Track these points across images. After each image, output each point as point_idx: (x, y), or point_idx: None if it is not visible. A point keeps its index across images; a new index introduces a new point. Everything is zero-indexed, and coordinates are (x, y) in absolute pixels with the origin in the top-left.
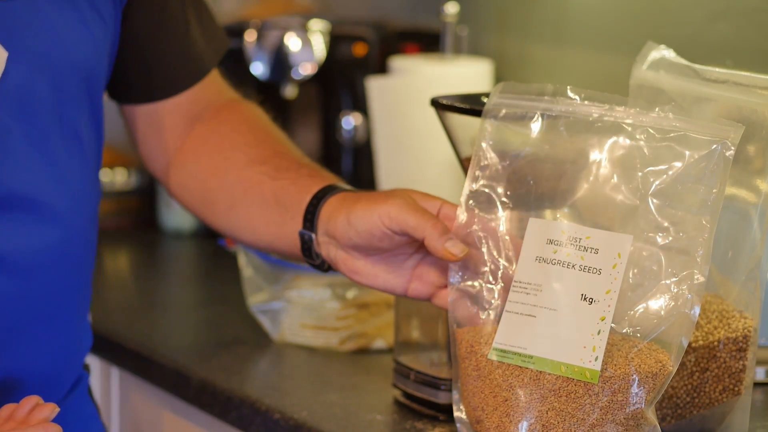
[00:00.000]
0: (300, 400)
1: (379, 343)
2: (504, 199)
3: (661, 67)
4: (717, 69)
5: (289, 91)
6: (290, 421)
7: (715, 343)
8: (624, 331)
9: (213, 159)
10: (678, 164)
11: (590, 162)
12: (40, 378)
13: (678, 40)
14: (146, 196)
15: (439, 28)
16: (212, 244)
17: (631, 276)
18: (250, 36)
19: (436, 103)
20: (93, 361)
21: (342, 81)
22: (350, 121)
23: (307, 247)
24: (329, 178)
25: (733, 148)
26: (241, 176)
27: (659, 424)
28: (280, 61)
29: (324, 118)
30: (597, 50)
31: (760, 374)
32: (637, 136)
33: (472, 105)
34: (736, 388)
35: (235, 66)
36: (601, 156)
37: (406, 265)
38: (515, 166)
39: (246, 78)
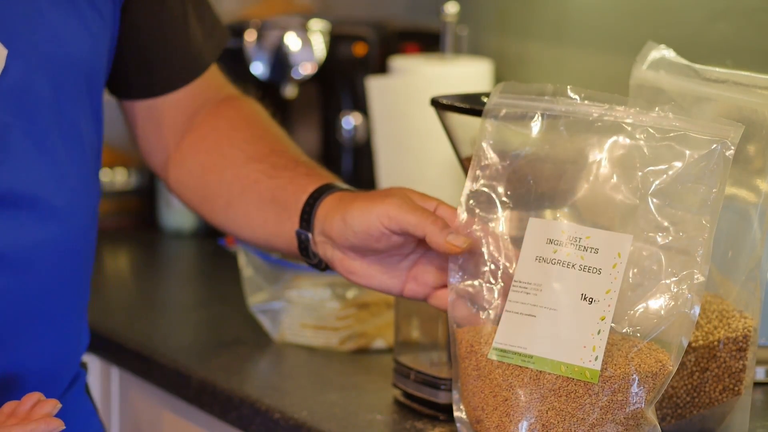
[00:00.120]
0: (300, 400)
1: (379, 343)
2: (504, 198)
3: (661, 67)
4: (717, 69)
5: (289, 91)
6: (290, 421)
7: (715, 343)
8: (624, 330)
9: (211, 156)
10: (678, 164)
11: (590, 162)
12: (38, 375)
13: (678, 40)
14: (146, 196)
15: (439, 28)
16: (212, 244)
17: (631, 276)
18: (250, 36)
19: (436, 103)
20: (93, 361)
21: (342, 81)
22: (350, 121)
23: (304, 247)
24: (326, 177)
25: (733, 147)
26: (238, 174)
27: (659, 423)
28: (280, 61)
29: (324, 117)
30: (597, 50)
31: (760, 374)
32: (637, 136)
33: (472, 105)
34: (736, 388)
35: (235, 66)
36: (601, 156)
37: (401, 266)
38: (515, 166)
39: (246, 78)
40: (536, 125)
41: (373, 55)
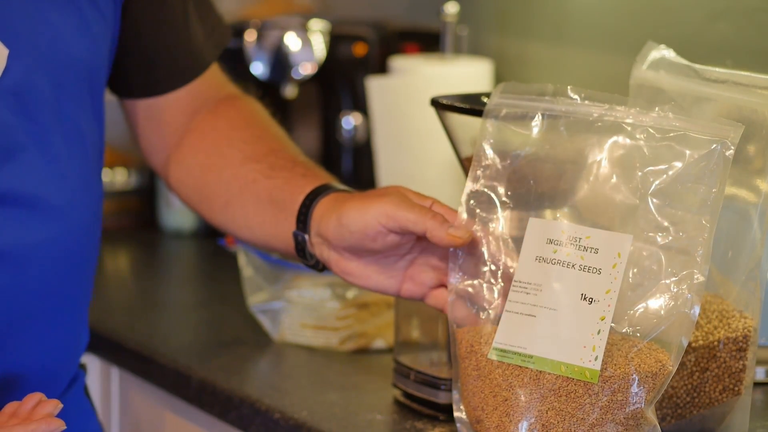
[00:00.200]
0: (300, 400)
1: (379, 343)
2: (504, 199)
3: (661, 67)
4: (717, 69)
5: (289, 91)
6: (290, 421)
7: (715, 343)
8: (624, 330)
9: (209, 155)
10: (678, 164)
11: (590, 162)
12: (38, 373)
13: (678, 40)
14: (146, 196)
15: (439, 28)
16: (212, 244)
17: (630, 276)
18: (250, 36)
19: (436, 103)
20: (93, 361)
21: (342, 81)
22: (350, 121)
23: (301, 248)
24: (323, 178)
25: (732, 147)
26: (236, 174)
27: (659, 423)
28: (280, 61)
29: (324, 117)
30: (597, 50)
31: (760, 374)
32: (637, 136)
33: (472, 105)
34: (736, 388)
35: (235, 66)
36: (601, 156)
37: (398, 266)
38: (515, 166)
39: (246, 78)
40: (537, 125)
41: (373, 55)
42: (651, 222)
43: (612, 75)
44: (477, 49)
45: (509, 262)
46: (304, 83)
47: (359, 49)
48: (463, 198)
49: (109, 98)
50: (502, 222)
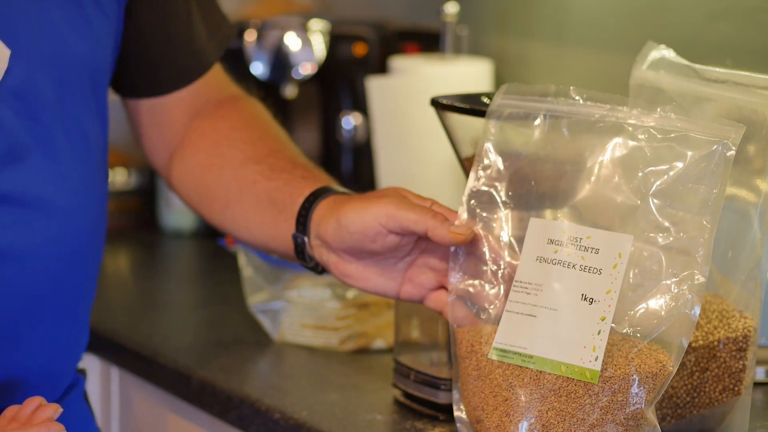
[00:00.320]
0: (300, 400)
1: (379, 343)
2: (505, 199)
3: (661, 67)
4: (717, 69)
5: (289, 91)
6: (290, 421)
7: (715, 343)
8: (624, 331)
9: (210, 155)
10: (679, 164)
11: (591, 162)
12: (39, 373)
13: (678, 40)
14: (146, 196)
15: (439, 28)
16: (212, 244)
17: (631, 276)
18: (250, 36)
19: (436, 103)
20: (93, 361)
21: (342, 81)
22: (350, 121)
23: (300, 250)
24: (323, 180)
25: (733, 148)
26: (236, 174)
27: (659, 424)
28: (280, 61)
29: (324, 118)
30: (597, 50)
31: (760, 374)
32: (638, 137)
33: (472, 105)
34: (736, 388)
35: (235, 66)
36: (602, 156)
37: (397, 268)
38: (517, 167)
39: (246, 78)
40: (539, 126)
41: (373, 55)
42: (652, 222)
43: (612, 75)
44: (477, 49)
45: (510, 262)
46: (304, 83)
47: (359, 49)
48: (464, 198)
49: (110, 98)
50: (503, 222)
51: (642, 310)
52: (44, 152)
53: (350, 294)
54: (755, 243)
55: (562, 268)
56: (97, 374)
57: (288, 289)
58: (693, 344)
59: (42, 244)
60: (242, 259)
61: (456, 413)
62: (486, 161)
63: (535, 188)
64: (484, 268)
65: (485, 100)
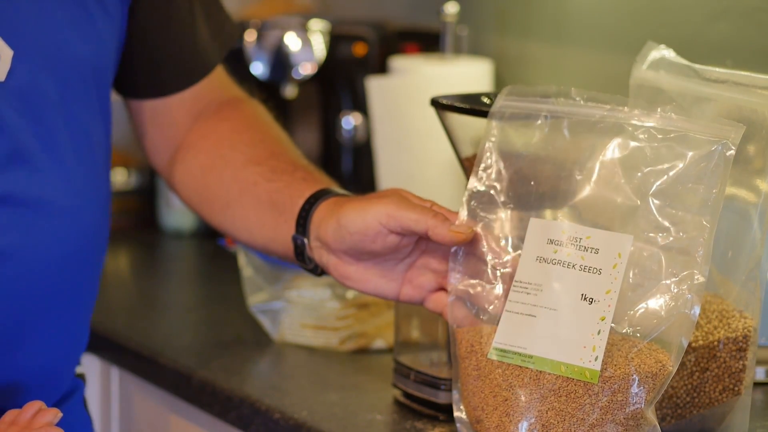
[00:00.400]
0: (300, 400)
1: (379, 343)
2: (506, 199)
3: (661, 67)
4: (717, 69)
5: (289, 91)
6: (290, 421)
7: (715, 343)
8: (624, 331)
9: (210, 157)
10: (679, 164)
11: (591, 162)
12: (39, 374)
13: (678, 40)
14: (146, 196)
15: (439, 28)
16: (212, 244)
17: (631, 276)
18: (250, 36)
19: (436, 103)
20: (93, 361)
21: (342, 81)
22: (350, 121)
23: (300, 252)
24: (323, 182)
25: (733, 148)
26: (237, 176)
27: (659, 424)
28: (280, 61)
29: (324, 118)
30: (597, 50)
31: (760, 374)
32: (638, 137)
33: (472, 105)
34: (736, 388)
35: (235, 66)
36: (602, 156)
37: (397, 269)
38: (517, 167)
39: (246, 78)
40: (540, 127)
41: (373, 55)
42: (651, 222)
43: (612, 75)
44: (477, 49)
45: (510, 263)
46: (304, 83)
47: (359, 49)
48: (465, 198)
49: (112, 98)
50: (503, 222)
51: (642, 310)
52: (48, 153)
53: (350, 294)
54: (755, 243)
55: (562, 268)
56: (97, 374)
57: (288, 289)
58: (693, 344)
59: (45, 245)
60: (242, 259)
61: (456, 413)
62: (487, 162)
63: (535, 188)
64: (484, 268)
65: (485, 100)
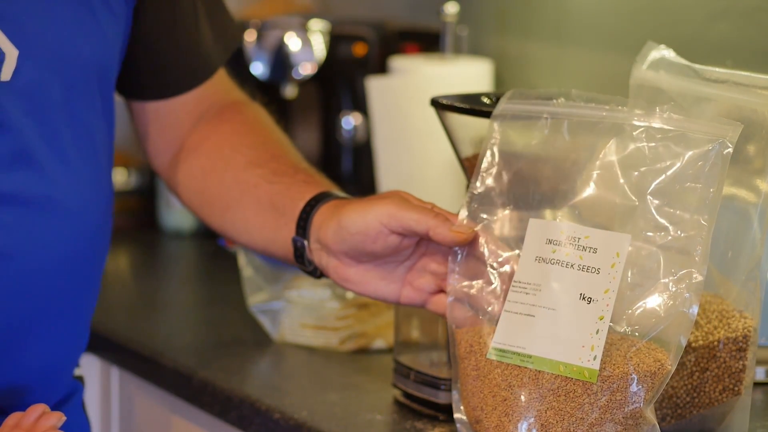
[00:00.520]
0: (300, 400)
1: (379, 343)
2: (506, 200)
3: (661, 67)
4: (717, 69)
5: (289, 91)
6: (290, 421)
7: (715, 343)
8: (622, 330)
9: (211, 159)
10: (676, 163)
11: (590, 162)
12: (40, 375)
13: (678, 40)
14: (146, 196)
15: (439, 28)
16: (212, 244)
17: (629, 275)
18: (250, 36)
19: (436, 103)
20: (93, 361)
21: (342, 81)
22: (350, 121)
23: (300, 254)
24: (325, 185)
25: (730, 146)
26: (238, 178)
27: (659, 423)
28: (280, 61)
29: (324, 118)
30: (597, 50)
31: (760, 374)
32: (637, 137)
33: (472, 105)
34: (736, 388)
35: (235, 66)
36: (601, 156)
37: (397, 272)
38: (518, 168)
39: (246, 78)
40: (540, 128)
41: (373, 55)
42: (650, 221)
43: (612, 75)
44: (477, 49)
45: (509, 263)
46: (304, 83)
47: (359, 49)
48: (466, 199)
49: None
50: (503, 223)
51: (640, 309)
52: (52, 152)
53: (350, 294)
54: (755, 243)
55: (561, 267)
56: (97, 374)
57: (288, 289)
58: (693, 344)
59: (49, 245)
60: (242, 259)
61: (456, 414)
62: (488, 162)
63: (535, 189)
64: (484, 268)
65: (485, 100)
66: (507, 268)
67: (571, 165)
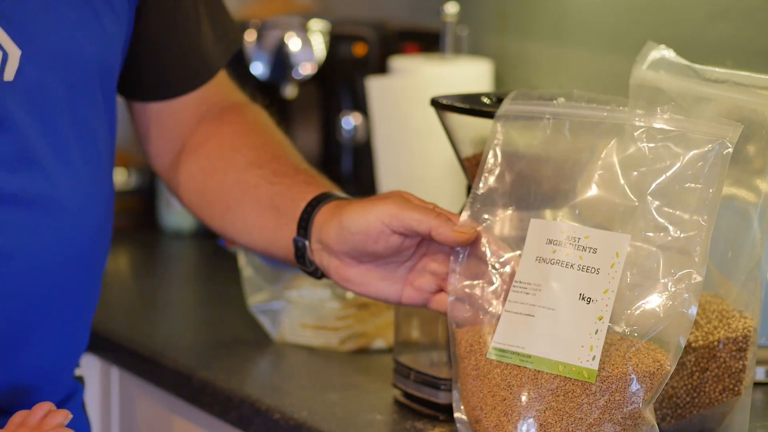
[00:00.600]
0: (300, 400)
1: (379, 343)
2: (508, 200)
3: (661, 67)
4: (717, 69)
5: (289, 91)
6: (290, 421)
7: (715, 343)
8: (622, 330)
9: (212, 159)
10: (676, 164)
11: (591, 162)
12: (42, 376)
13: (678, 40)
14: (146, 196)
15: (439, 28)
16: (212, 244)
17: (629, 275)
18: (250, 36)
19: (436, 103)
20: (93, 361)
21: (342, 81)
22: (350, 121)
23: (301, 254)
24: (326, 186)
25: (730, 146)
26: (238, 178)
27: (659, 424)
28: (280, 61)
29: (324, 118)
30: (597, 50)
31: (760, 374)
32: (638, 137)
33: (472, 105)
34: (736, 388)
35: (235, 66)
36: (601, 156)
37: (398, 272)
38: (520, 168)
39: (246, 78)
40: (543, 128)
41: (373, 55)
42: (649, 222)
43: (612, 75)
44: (477, 49)
45: (511, 263)
46: (304, 83)
47: (359, 49)
48: (468, 199)
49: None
50: (504, 223)
51: (639, 310)
52: (55, 153)
53: (350, 294)
54: (755, 243)
55: (561, 267)
56: (97, 374)
57: (288, 289)
58: (693, 344)
59: (51, 245)
60: (242, 259)
61: (456, 413)
62: (491, 163)
63: (537, 189)
64: (485, 268)
65: (485, 100)
66: (508, 268)
67: (572, 165)
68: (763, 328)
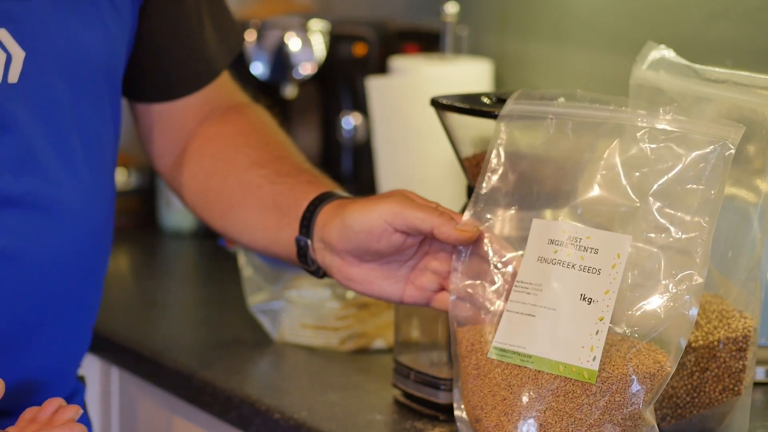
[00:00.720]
0: (300, 400)
1: (379, 343)
2: (511, 200)
3: (661, 67)
4: (717, 69)
5: (289, 91)
6: (290, 421)
7: (715, 343)
8: (622, 331)
9: (214, 160)
10: (678, 165)
11: (593, 163)
12: (45, 375)
13: (678, 40)
14: (146, 196)
15: (439, 28)
16: (212, 244)
17: (630, 276)
18: (250, 36)
19: (436, 103)
20: (93, 362)
21: (342, 81)
22: (350, 121)
23: (303, 253)
24: (328, 185)
25: (732, 148)
26: (241, 178)
27: (659, 424)
28: (280, 61)
29: (324, 118)
30: (597, 50)
31: (760, 374)
32: (639, 137)
33: (472, 105)
34: (736, 388)
35: (235, 66)
36: (603, 157)
37: (400, 271)
38: (522, 168)
39: (246, 78)
40: (545, 129)
41: (373, 55)
42: (651, 223)
43: (612, 75)
44: (477, 49)
45: (513, 263)
46: (304, 83)
47: (359, 49)
48: (472, 199)
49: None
50: (507, 222)
51: (640, 311)
52: (58, 154)
53: (350, 294)
54: (755, 243)
55: (562, 268)
56: (97, 374)
57: (288, 289)
58: (693, 344)
59: (54, 246)
60: (242, 259)
61: (456, 412)
62: (494, 162)
63: (539, 189)
64: (487, 268)
65: (485, 100)
66: (510, 267)
67: (575, 165)
68: (763, 328)
